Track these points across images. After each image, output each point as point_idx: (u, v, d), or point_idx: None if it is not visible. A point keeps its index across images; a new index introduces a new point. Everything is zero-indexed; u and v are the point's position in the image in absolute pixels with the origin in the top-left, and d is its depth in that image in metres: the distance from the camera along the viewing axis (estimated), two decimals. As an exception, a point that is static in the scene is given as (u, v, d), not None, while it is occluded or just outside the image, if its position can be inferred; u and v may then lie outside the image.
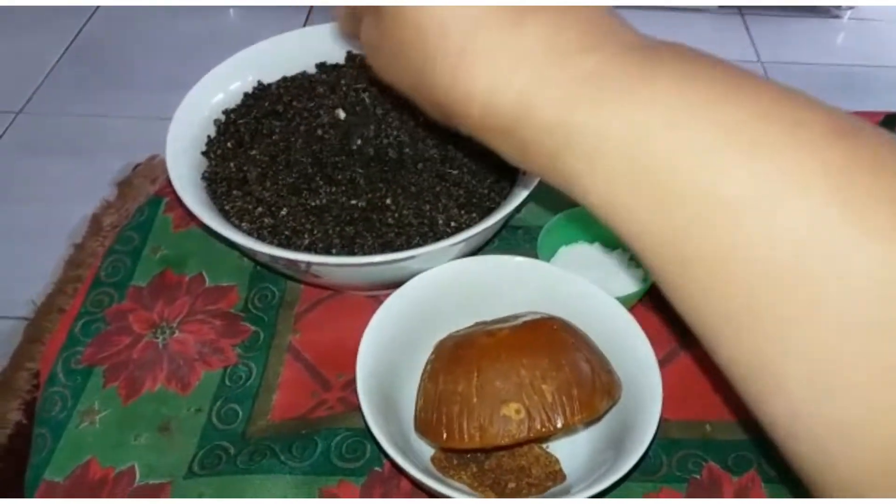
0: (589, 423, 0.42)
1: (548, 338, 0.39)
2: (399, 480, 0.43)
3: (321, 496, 0.42)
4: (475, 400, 0.37)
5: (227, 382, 0.48)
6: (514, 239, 0.55)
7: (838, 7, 1.64)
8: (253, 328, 0.50)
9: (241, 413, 0.46)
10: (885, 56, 1.56)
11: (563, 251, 0.52)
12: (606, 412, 0.39)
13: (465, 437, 0.37)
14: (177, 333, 0.50)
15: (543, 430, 0.36)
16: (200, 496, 0.42)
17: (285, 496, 0.42)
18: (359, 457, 0.44)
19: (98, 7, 1.69)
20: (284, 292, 0.52)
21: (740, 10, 1.68)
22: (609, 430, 0.41)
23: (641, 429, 0.38)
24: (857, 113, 0.57)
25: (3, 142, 1.38)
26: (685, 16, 1.66)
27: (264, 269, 0.53)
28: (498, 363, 0.37)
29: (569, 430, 0.42)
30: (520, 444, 0.39)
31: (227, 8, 1.71)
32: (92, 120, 1.42)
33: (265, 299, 0.52)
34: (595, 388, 0.38)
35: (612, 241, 0.52)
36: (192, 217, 0.47)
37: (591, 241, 0.53)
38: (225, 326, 0.50)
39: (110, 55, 1.57)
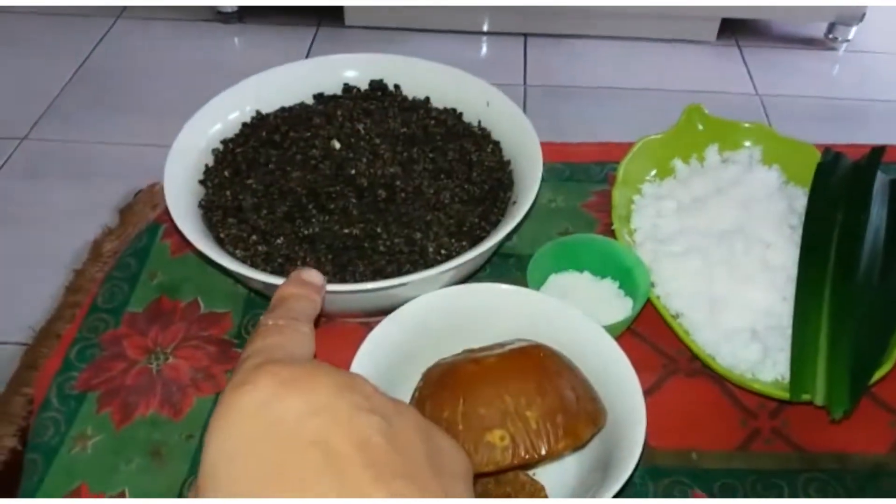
0: (574, 450, 0.42)
1: (533, 365, 0.39)
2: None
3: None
4: (460, 427, 0.37)
5: (219, 408, 0.48)
6: (506, 267, 0.56)
7: (834, 39, 1.66)
8: (245, 354, 0.51)
9: (231, 439, 0.46)
10: (879, 88, 1.58)
11: (553, 279, 0.53)
12: (591, 439, 0.40)
13: (451, 463, 0.37)
14: (170, 359, 0.51)
15: (528, 457, 0.36)
16: (189, 522, 0.42)
17: (273, 522, 0.42)
18: (347, 483, 0.44)
19: (104, 35, 1.72)
20: (278, 319, 0.53)
21: (738, 43, 1.70)
22: (594, 456, 0.41)
23: (625, 456, 0.38)
24: (847, 146, 0.58)
25: (7, 168, 1.40)
26: (683, 48, 1.69)
27: (258, 296, 0.54)
28: (483, 390, 0.38)
29: (554, 457, 0.42)
30: (505, 471, 0.39)
31: (232, 37, 1.74)
32: (95, 147, 1.44)
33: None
34: (580, 416, 0.38)
35: (601, 270, 0.53)
36: (188, 244, 0.48)
37: (581, 269, 0.53)
38: (218, 353, 0.51)
39: (115, 83, 1.59)
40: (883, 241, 0.51)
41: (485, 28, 1.72)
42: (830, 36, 1.67)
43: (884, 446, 0.46)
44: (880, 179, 0.55)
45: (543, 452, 0.36)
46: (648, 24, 1.66)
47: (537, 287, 0.51)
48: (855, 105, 1.54)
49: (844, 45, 1.67)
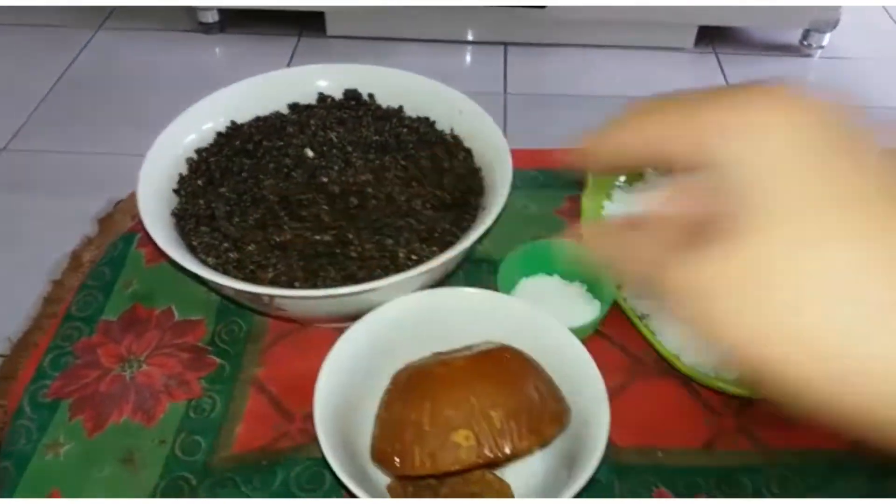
0: (540, 448, 0.43)
1: (499, 367, 0.40)
2: (359, 510, 0.43)
3: (281, 526, 0.43)
4: (427, 428, 0.38)
5: (192, 414, 0.48)
6: (479, 272, 0.57)
7: (809, 45, 1.69)
8: (219, 361, 0.51)
9: (203, 445, 0.47)
10: (852, 91, 1.61)
11: (524, 283, 0.54)
12: (555, 438, 0.41)
13: (417, 464, 0.38)
14: (144, 367, 0.51)
15: (492, 455, 0.37)
16: (161, 527, 0.43)
17: (245, 526, 0.43)
18: (318, 487, 0.44)
19: (85, 46, 1.72)
20: (251, 326, 0.53)
21: (715, 50, 1.72)
22: (560, 455, 0.42)
23: (589, 454, 0.39)
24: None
25: (-13, 179, 1.39)
26: (662, 55, 1.71)
27: (232, 304, 0.54)
28: (450, 392, 0.39)
29: (519, 455, 0.43)
30: (471, 470, 0.40)
31: (213, 47, 1.75)
32: (76, 157, 1.44)
33: (232, 333, 0.53)
34: (544, 415, 0.39)
35: (570, 274, 0.54)
36: (161, 252, 0.48)
37: (551, 273, 0.54)
38: (191, 359, 0.51)
39: (96, 93, 1.59)
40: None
41: (467, 38, 1.73)
42: (805, 42, 1.70)
43: (843, 443, 0.47)
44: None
45: (507, 451, 0.37)
46: (627, 33, 1.68)
47: (508, 291, 0.52)
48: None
49: (819, 51, 1.70)
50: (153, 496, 0.44)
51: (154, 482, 0.45)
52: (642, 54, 1.71)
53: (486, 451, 0.37)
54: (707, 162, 0.22)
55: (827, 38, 1.68)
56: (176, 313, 0.55)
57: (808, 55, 1.71)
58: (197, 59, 1.71)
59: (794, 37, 1.73)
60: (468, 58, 1.72)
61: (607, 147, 0.26)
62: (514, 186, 0.65)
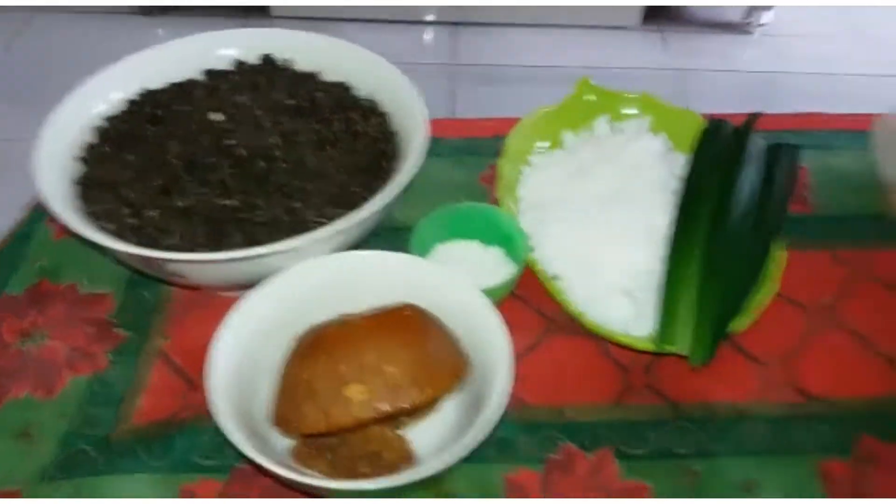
0: (437, 405, 0.42)
1: (396, 323, 0.40)
2: (262, 477, 0.43)
3: (181, 495, 0.42)
4: (320, 385, 0.37)
5: (95, 387, 0.47)
6: (398, 240, 0.56)
7: (750, 23, 1.72)
8: (125, 333, 0.50)
9: (106, 417, 0.46)
10: (789, 67, 1.65)
11: (440, 248, 0.54)
12: (453, 391, 0.40)
13: (311, 422, 0.37)
14: (47, 341, 0.50)
15: (385, 409, 0.37)
16: (54, 500, 0.42)
17: (144, 495, 0.42)
18: (221, 455, 0.44)
19: (23, 29, 1.67)
20: (160, 298, 0.52)
21: (660, 29, 1.74)
22: (462, 412, 0.42)
23: (489, 408, 0.39)
24: (733, 115, 0.60)
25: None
26: (608, 33, 1.72)
27: (140, 276, 0.53)
28: (344, 349, 0.38)
29: (418, 410, 0.43)
30: (366, 426, 0.40)
31: (155, 29, 1.71)
32: (12, 144, 1.39)
33: (140, 305, 0.52)
34: (441, 369, 0.39)
35: (488, 238, 0.54)
36: (59, 222, 0.47)
37: (469, 237, 0.54)
38: (97, 332, 0.50)
39: (34, 78, 1.55)
40: (756, 201, 0.53)
41: (414, 17, 1.72)
42: (747, 20, 1.73)
43: (747, 394, 0.48)
44: (758, 144, 0.57)
45: (402, 405, 0.37)
46: (576, 13, 1.69)
47: (422, 255, 0.51)
48: (766, 82, 1.60)
49: (759, 28, 1.73)
50: (49, 470, 0.43)
51: (51, 455, 0.44)
52: (590, 33, 1.72)
53: (380, 406, 0.37)
54: None
55: (767, 16, 1.71)
56: (83, 287, 0.53)
57: (749, 32, 1.74)
58: (138, 41, 1.67)
59: (736, 14, 1.75)
60: (416, 37, 1.71)
61: None
62: (440, 155, 0.65)
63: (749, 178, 0.54)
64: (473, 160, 0.64)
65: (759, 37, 1.73)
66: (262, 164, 0.49)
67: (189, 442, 0.44)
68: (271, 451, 0.41)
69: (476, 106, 1.48)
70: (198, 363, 0.48)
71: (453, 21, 1.72)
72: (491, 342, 0.42)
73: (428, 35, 1.71)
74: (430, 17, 1.71)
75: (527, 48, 1.67)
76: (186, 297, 0.52)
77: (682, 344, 0.46)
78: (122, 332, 0.50)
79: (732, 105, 0.64)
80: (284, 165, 0.49)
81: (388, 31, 1.69)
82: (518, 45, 1.68)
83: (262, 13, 1.71)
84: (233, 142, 0.50)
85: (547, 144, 0.61)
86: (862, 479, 0.43)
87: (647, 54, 1.67)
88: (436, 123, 0.67)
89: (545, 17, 1.70)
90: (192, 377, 0.48)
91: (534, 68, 1.62)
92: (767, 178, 0.55)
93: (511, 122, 0.61)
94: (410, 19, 1.72)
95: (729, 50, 1.69)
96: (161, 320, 0.51)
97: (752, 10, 1.70)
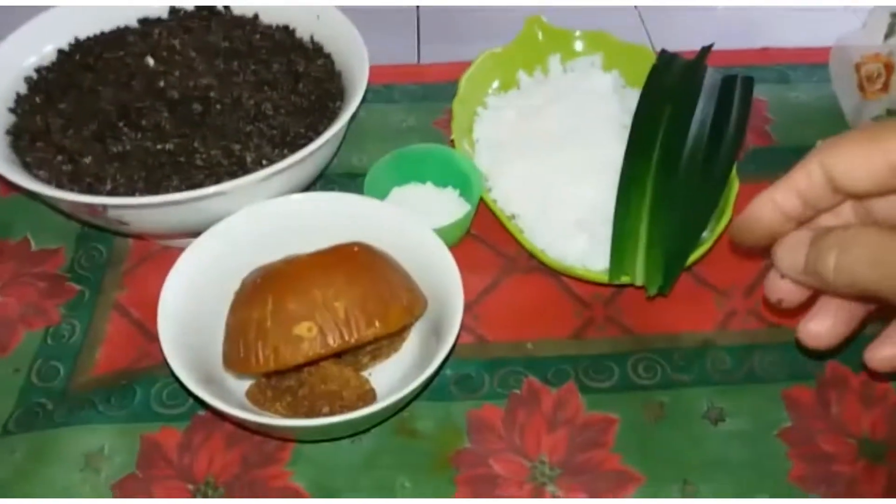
0: (390, 338, 0.42)
1: (345, 259, 0.39)
2: (222, 422, 0.43)
3: (142, 443, 0.42)
4: (269, 324, 0.37)
5: (49, 342, 0.47)
6: (354, 187, 0.56)
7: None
8: (78, 287, 0.49)
9: (62, 370, 0.45)
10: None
11: (395, 191, 0.53)
12: (408, 327, 0.40)
13: (261, 360, 0.37)
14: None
15: (336, 345, 0.36)
16: (12, 453, 0.41)
17: (103, 444, 0.42)
18: (181, 403, 0.43)
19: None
20: (112, 251, 0.51)
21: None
22: (419, 351, 0.42)
23: (444, 341, 0.39)
24: (688, 51, 0.59)
25: None
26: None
27: (91, 230, 0.52)
28: (293, 286, 0.38)
29: (379, 352, 0.43)
30: (318, 362, 0.39)
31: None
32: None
33: (92, 259, 0.51)
34: (392, 304, 0.38)
35: (442, 180, 0.53)
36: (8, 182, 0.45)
37: (423, 180, 0.53)
38: (49, 287, 0.49)
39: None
40: (707, 133, 0.53)
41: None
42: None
43: (710, 324, 0.48)
44: (712, 76, 0.57)
45: (351, 340, 0.37)
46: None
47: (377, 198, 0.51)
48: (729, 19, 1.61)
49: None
50: (6, 424, 0.43)
51: (8, 411, 0.43)
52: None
53: (330, 341, 0.36)
54: None
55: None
56: (33, 243, 0.52)
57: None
58: None
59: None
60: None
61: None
62: (394, 101, 0.64)
63: (702, 111, 0.54)
64: (428, 105, 0.63)
65: (724, 11, 1.73)
66: (197, 106, 0.47)
67: (148, 391, 0.44)
68: (230, 396, 0.41)
69: (441, 55, 1.47)
70: (155, 314, 0.48)
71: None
72: (443, 278, 0.42)
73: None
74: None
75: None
76: (139, 249, 0.51)
77: (636, 275, 0.46)
78: (74, 286, 0.49)
79: (695, 43, 0.63)
80: (220, 107, 0.48)
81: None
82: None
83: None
84: (161, 83, 0.48)
85: (497, 84, 0.61)
86: (827, 404, 0.44)
87: (624, 27, 1.66)
88: (390, 70, 0.66)
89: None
90: (149, 328, 0.47)
91: (498, 9, 1.60)
92: (721, 111, 0.55)
93: (464, 66, 0.60)
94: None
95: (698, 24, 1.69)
96: (115, 273, 0.50)
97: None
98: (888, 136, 0.28)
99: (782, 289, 0.32)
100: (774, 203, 0.31)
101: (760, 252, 0.33)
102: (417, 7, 1.59)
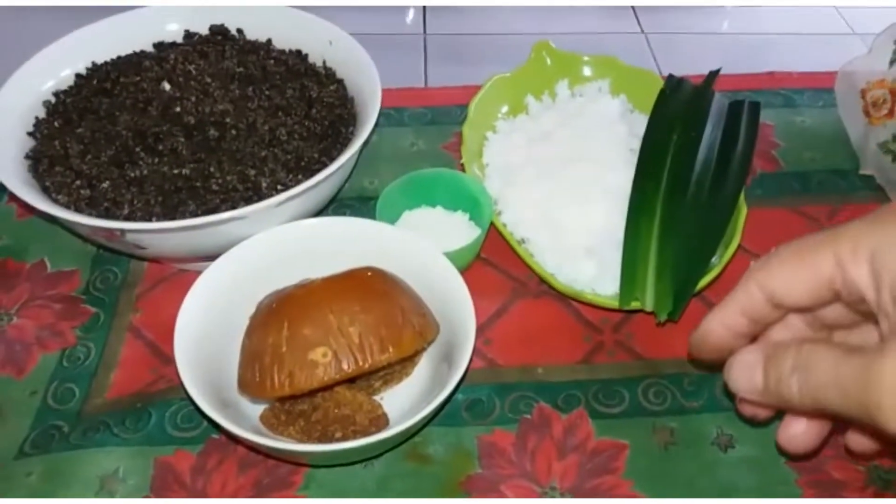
0: (402, 362, 0.42)
1: (359, 285, 0.40)
2: (236, 446, 0.43)
3: (156, 466, 0.42)
4: (284, 349, 0.37)
5: (65, 364, 0.47)
6: (366, 209, 0.56)
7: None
8: (93, 310, 0.50)
9: (77, 392, 0.46)
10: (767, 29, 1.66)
11: (406, 215, 0.54)
12: (421, 352, 0.41)
13: (277, 385, 0.37)
14: (15, 320, 0.49)
15: (351, 370, 0.37)
16: (28, 475, 0.41)
17: (118, 467, 0.42)
18: (195, 426, 0.44)
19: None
20: (127, 273, 0.52)
21: (632, 4, 1.74)
22: (430, 375, 0.42)
23: (456, 367, 0.39)
24: (694, 76, 0.60)
25: None
26: (579, 8, 1.72)
27: (106, 252, 0.53)
28: (307, 312, 0.38)
29: (391, 377, 0.43)
30: (333, 388, 0.40)
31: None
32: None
33: (107, 281, 0.51)
34: (405, 329, 0.39)
35: (452, 204, 0.54)
36: (14, 198, 0.46)
37: (434, 204, 0.54)
38: (64, 309, 0.50)
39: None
40: (715, 159, 0.54)
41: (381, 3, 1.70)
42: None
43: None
44: (719, 102, 0.58)
45: (366, 365, 0.37)
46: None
47: (389, 223, 0.51)
48: (735, 45, 1.62)
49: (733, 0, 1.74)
50: (22, 446, 0.43)
51: (24, 433, 0.44)
52: (561, 8, 1.71)
53: (345, 367, 0.37)
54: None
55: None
56: (49, 265, 0.53)
57: (722, 6, 1.74)
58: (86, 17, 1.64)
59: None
60: (387, 16, 1.70)
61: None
62: (403, 124, 0.65)
63: (709, 136, 0.55)
64: (437, 129, 0.64)
65: (733, 9, 1.74)
66: (213, 131, 0.48)
67: (162, 414, 0.44)
68: (244, 420, 0.41)
69: (448, 78, 1.48)
70: (168, 337, 0.48)
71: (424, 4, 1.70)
72: (454, 303, 0.42)
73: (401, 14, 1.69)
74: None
75: (498, 25, 1.67)
76: (154, 273, 0.52)
77: (646, 301, 0.46)
78: (89, 308, 0.50)
79: (702, 68, 0.64)
80: (235, 132, 0.48)
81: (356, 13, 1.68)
82: (487, 23, 1.67)
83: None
84: (178, 109, 0.49)
85: (506, 109, 0.61)
86: (836, 431, 0.44)
87: (619, 28, 1.68)
88: (400, 93, 0.67)
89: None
90: (163, 351, 0.48)
91: (503, 42, 1.61)
92: (729, 136, 0.55)
93: (473, 90, 0.61)
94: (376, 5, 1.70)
95: (703, 23, 1.70)
96: (130, 296, 0.50)
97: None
98: (815, 250, 0.28)
99: (747, 409, 0.33)
100: (722, 323, 0.31)
101: (720, 366, 0.33)
102: (424, 32, 1.61)
